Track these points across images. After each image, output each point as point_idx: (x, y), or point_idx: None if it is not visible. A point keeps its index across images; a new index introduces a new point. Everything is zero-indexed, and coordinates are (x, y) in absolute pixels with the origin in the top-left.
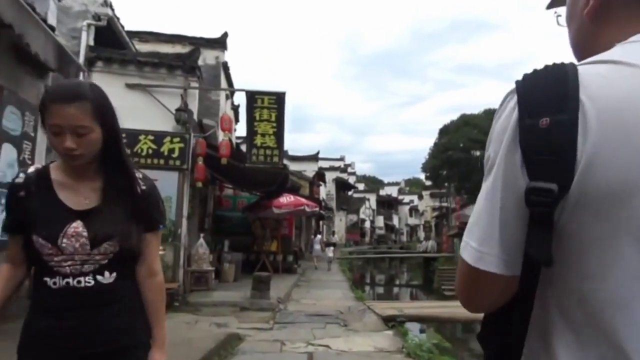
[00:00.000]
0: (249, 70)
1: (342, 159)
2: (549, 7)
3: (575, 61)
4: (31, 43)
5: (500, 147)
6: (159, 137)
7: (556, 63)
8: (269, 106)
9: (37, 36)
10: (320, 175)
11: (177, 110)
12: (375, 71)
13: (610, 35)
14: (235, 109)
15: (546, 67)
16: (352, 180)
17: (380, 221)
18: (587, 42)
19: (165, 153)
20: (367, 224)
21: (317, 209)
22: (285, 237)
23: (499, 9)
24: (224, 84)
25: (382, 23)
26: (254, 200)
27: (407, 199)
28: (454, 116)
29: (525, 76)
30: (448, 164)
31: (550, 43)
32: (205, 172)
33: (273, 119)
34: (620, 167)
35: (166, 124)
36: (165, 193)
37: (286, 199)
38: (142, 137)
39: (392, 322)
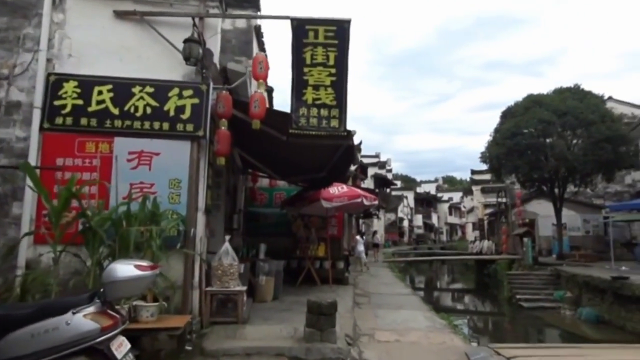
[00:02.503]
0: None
1: (377, 155)
2: None
3: None
4: None
5: None
6: (161, 88)
7: None
8: (326, 42)
9: None
10: (362, 168)
11: (186, 41)
12: (401, 71)
13: None
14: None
15: None
16: (389, 177)
17: (418, 220)
18: None
19: (172, 113)
20: (406, 223)
21: (376, 202)
22: (334, 238)
23: (526, 2)
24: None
25: (407, 22)
26: (295, 192)
27: (445, 196)
28: (484, 114)
29: None
30: (516, 151)
31: (581, 37)
32: (230, 142)
33: (331, 62)
34: None
35: (173, 70)
36: (171, 173)
37: (338, 189)
38: (136, 89)
39: None
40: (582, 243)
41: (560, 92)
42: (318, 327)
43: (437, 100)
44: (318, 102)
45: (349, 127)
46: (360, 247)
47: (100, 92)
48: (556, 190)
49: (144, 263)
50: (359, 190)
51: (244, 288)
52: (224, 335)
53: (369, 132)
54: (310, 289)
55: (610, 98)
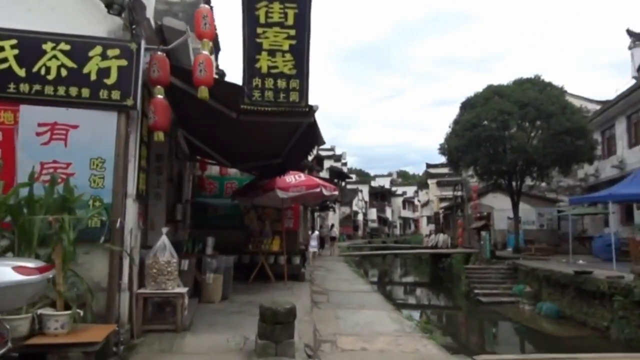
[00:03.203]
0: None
1: (332, 149)
2: None
3: None
4: None
5: None
6: (80, 46)
7: None
8: None
9: None
10: (318, 160)
11: None
12: (355, 65)
13: None
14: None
15: None
16: (344, 171)
17: (373, 214)
18: None
19: (93, 77)
20: (360, 217)
21: (336, 192)
22: (290, 231)
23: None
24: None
25: (362, 16)
26: (248, 182)
27: (399, 190)
28: (436, 110)
29: None
30: (476, 142)
31: (525, 39)
32: (169, 114)
33: (290, 21)
34: None
35: (95, 24)
36: (93, 151)
37: (295, 177)
38: (48, 45)
39: None
40: (537, 237)
41: (520, 83)
42: (273, 338)
43: (390, 95)
44: (274, 70)
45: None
46: (314, 242)
47: (1, 49)
48: (514, 184)
49: (30, 264)
50: (317, 180)
51: (184, 289)
52: (158, 348)
53: (323, 126)
54: (264, 286)
55: (564, 92)
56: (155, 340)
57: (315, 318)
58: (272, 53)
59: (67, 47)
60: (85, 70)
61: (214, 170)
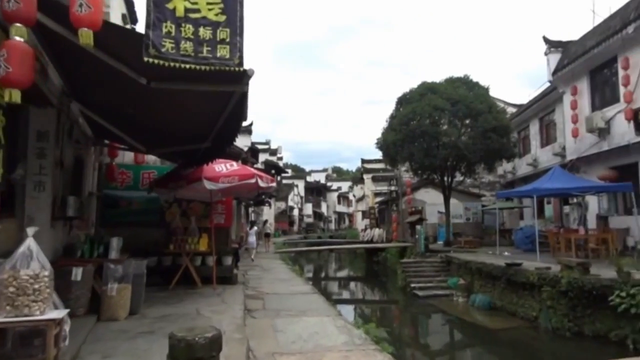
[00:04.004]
0: None
1: (267, 143)
2: None
3: None
4: None
5: None
6: None
7: None
8: None
9: None
10: (253, 152)
11: None
12: (290, 62)
13: None
14: None
15: None
16: (280, 165)
17: (308, 209)
18: None
19: None
20: (296, 212)
21: (274, 184)
22: (220, 229)
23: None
24: None
25: (297, 14)
26: (169, 171)
27: (334, 185)
28: (366, 108)
29: None
30: (412, 137)
31: (438, 47)
32: (31, 64)
33: None
34: None
35: None
36: None
37: (226, 166)
38: None
39: None
40: (463, 230)
41: (452, 82)
42: None
43: (323, 93)
44: (195, 15)
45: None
46: (252, 239)
47: None
48: (445, 179)
49: None
50: (252, 169)
51: (61, 312)
52: None
53: (257, 120)
54: (188, 293)
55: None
56: None
57: (249, 332)
58: None
59: None
60: None
61: (127, 157)
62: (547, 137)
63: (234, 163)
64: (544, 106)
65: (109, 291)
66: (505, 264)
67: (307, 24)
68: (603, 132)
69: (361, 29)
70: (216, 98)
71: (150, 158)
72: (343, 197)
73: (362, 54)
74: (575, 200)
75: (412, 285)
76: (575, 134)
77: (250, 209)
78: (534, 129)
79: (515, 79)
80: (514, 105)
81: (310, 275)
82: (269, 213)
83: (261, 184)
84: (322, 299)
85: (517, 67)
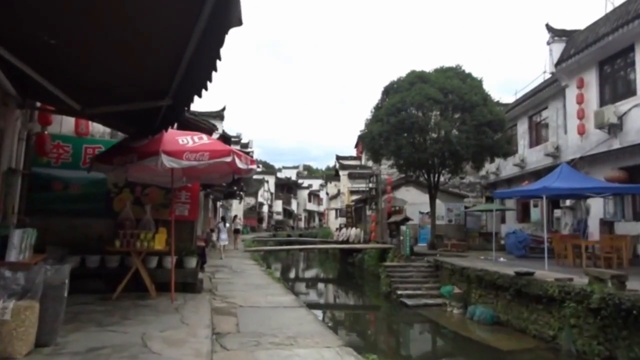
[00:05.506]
0: None
1: (239, 136)
2: None
3: None
4: None
5: None
6: None
7: None
8: None
9: None
10: (225, 140)
11: None
12: (260, 58)
13: None
14: None
15: None
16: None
17: (278, 206)
18: None
19: None
20: (265, 209)
21: (254, 166)
22: (184, 222)
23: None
24: None
25: (271, 9)
26: (116, 143)
27: (305, 183)
28: (339, 106)
29: None
30: (401, 129)
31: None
32: None
33: None
34: None
35: None
36: None
37: (192, 139)
38: None
39: None
40: (445, 231)
41: (443, 71)
42: None
43: (294, 91)
44: None
45: None
46: (224, 235)
47: None
48: (432, 177)
49: None
50: (228, 146)
51: None
52: None
53: (227, 115)
54: (135, 306)
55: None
56: None
57: None
58: None
59: None
60: None
61: (66, 127)
62: (537, 137)
63: (204, 136)
64: (534, 104)
65: (0, 312)
66: (515, 272)
67: (275, 20)
68: (614, 129)
69: (329, 32)
70: (177, 22)
71: (97, 129)
72: (314, 195)
73: (333, 54)
74: (567, 203)
75: (399, 292)
76: (580, 131)
77: (219, 203)
78: (522, 128)
79: (496, 89)
80: (499, 105)
81: (278, 274)
82: (238, 208)
83: (239, 164)
84: (312, 316)
85: (499, 77)
